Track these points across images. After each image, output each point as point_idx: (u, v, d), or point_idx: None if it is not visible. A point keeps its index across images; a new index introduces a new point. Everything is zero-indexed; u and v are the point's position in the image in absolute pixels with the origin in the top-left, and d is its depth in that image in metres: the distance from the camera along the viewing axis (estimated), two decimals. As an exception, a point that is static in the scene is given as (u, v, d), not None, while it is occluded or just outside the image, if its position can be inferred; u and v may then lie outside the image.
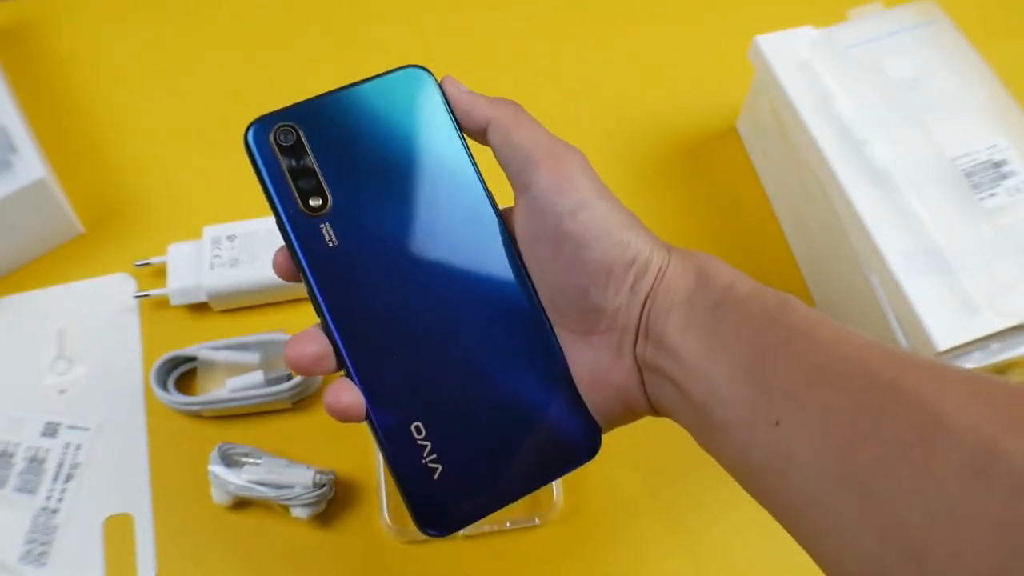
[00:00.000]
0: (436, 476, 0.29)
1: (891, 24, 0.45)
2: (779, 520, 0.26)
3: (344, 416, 0.28)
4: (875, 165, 0.40)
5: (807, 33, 0.46)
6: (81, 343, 0.46)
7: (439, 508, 0.29)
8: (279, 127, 0.29)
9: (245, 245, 0.46)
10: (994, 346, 0.37)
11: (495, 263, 0.30)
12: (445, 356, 0.29)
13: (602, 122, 0.54)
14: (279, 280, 0.48)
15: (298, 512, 0.39)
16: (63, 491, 0.42)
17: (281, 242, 0.29)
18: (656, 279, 0.29)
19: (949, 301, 0.37)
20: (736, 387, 0.26)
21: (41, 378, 0.45)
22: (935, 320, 0.36)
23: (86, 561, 0.40)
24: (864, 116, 0.42)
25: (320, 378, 0.44)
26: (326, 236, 0.29)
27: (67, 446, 0.43)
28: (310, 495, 0.39)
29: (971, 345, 0.36)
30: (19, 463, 0.42)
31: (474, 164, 0.30)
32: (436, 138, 0.30)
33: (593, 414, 0.30)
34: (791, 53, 0.45)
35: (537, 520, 0.41)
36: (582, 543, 0.41)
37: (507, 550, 0.41)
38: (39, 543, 0.40)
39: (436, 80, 0.30)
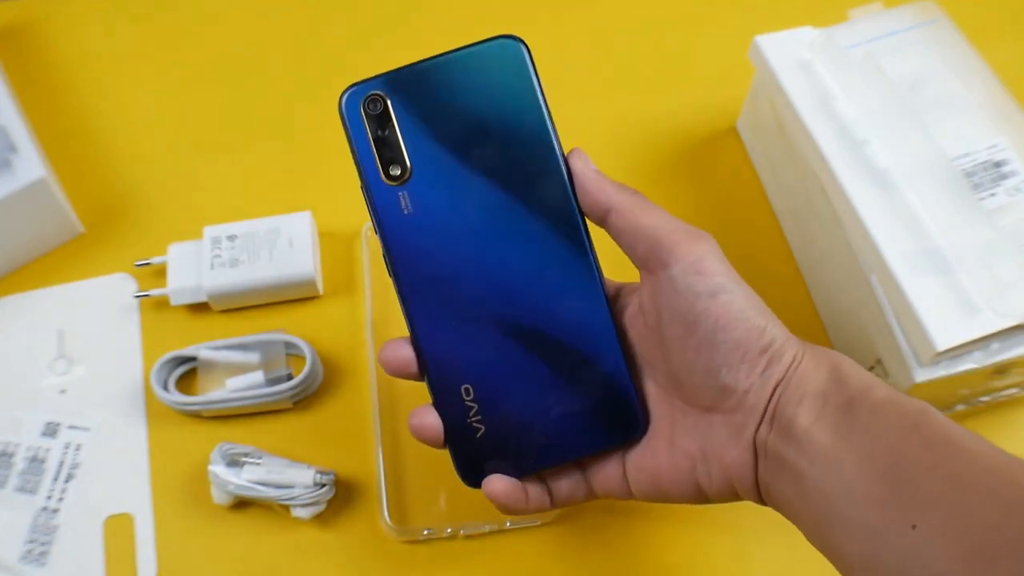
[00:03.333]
0: (478, 435, 0.31)
1: (891, 24, 0.45)
2: None
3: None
4: (875, 165, 0.40)
5: (807, 33, 0.46)
6: (81, 343, 0.46)
7: (478, 464, 0.31)
8: (369, 96, 0.30)
9: (245, 245, 0.46)
10: (994, 346, 0.37)
11: (564, 245, 0.31)
12: (501, 327, 0.31)
13: (602, 122, 0.54)
14: (279, 280, 0.48)
15: (298, 512, 0.39)
16: (63, 491, 0.42)
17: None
18: (789, 368, 0.29)
19: (949, 301, 0.36)
20: (868, 486, 0.26)
21: (41, 378, 0.45)
22: (935, 320, 0.36)
23: (86, 561, 0.40)
24: (864, 116, 0.42)
25: (320, 379, 0.44)
26: (402, 204, 0.30)
27: (67, 446, 0.43)
28: (310, 495, 0.39)
29: (971, 345, 0.36)
30: (19, 463, 0.42)
31: (556, 140, 0.31)
32: (521, 112, 0.31)
33: (697, 486, 0.31)
34: (791, 53, 0.45)
35: (537, 520, 0.41)
36: (582, 543, 0.41)
37: (507, 550, 0.40)
38: (39, 543, 0.40)
39: (528, 52, 0.31)
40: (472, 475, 0.32)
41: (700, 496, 0.31)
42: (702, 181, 0.52)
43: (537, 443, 0.31)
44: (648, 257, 0.30)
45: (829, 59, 0.44)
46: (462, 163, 0.31)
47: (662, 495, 0.32)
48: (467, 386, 0.31)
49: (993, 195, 0.39)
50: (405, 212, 0.30)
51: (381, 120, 0.30)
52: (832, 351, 0.30)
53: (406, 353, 0.32)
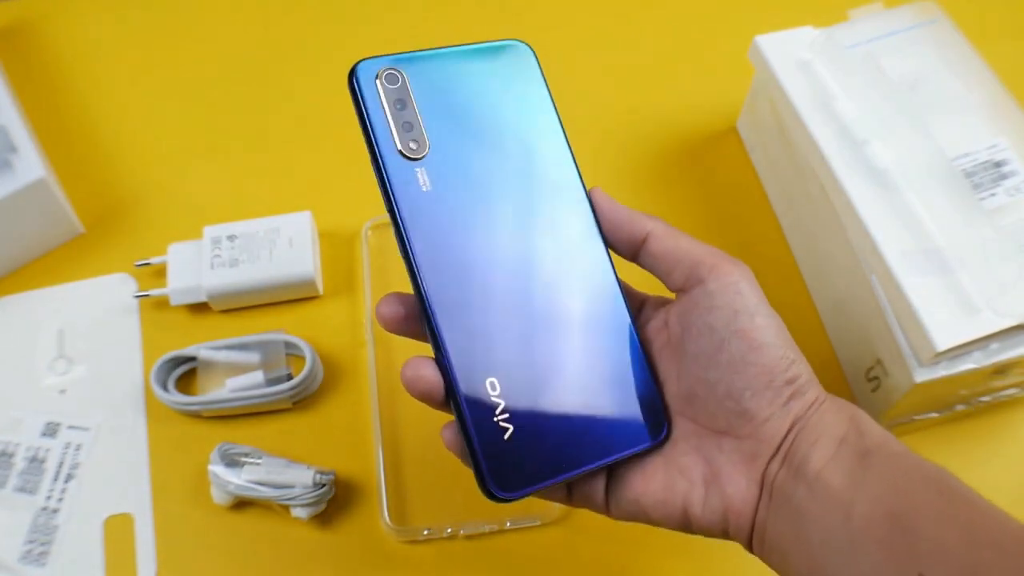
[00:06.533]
0: (507, 436, 0.28)
1: (891, 24, 0.45)
2: None
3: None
4: (875, 165, 0.40)
5: (807, 33, 0.46)
6: (81, 343, 0.46)
7: (506, 468, 0.28)
8: (385, 69, 0.29)
9: (245, 245, 0.46)
10: (994, 346, 0.37)
11: (579, 236, 0.31)
12: (524, 318, 0.30)
13: (602, 122, 0.54)
14: (279, 280, 0.48)
15: (298, 512, 0.39)
16: (63, 491, 0.42)
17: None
18: (810, 408, 0.29)
19: (949, 301, 0.36)
20: (876, 529, 0.26)
21: (41, 378, 0.45)
22: (935, 320, 0.36)
23: (86, 561, 0.40)
24: (864, 116, 0.42)
25: (320, 379, 0.44)
26: (420, 180, 0.29)
27: (67, 446, 0.43)
28: (310, 495, 0.39)
29: (971, 345, 0.36)
30: (19, 463, 0.42)
31: (565, 137, 0.32)
32: (532, 108, 0.31)
33: (685, 511, 0.30)
34: (791, 53, 0.45)
35: (537, 520, 0.41)
36: (582, 543, 0.41)
37: (507, 550, 0.41)
38: (39, 543, 0.40)
39: (536, 56, 0.32)
40: (502, 484, 0.28)
41: (684, 522, 0.30)
42: (702, 181, 0.52)
43: (567, 447, 0.29)
44: (688, 276, 0.30)
45: (829, 59, 0.44)
46: (478, 146, 0.30)
47: (642, 514, 0.30)
48: (492, 380, 0.29)
49: (993, 195, 0.39)
50: (423, 189, 0.29)
51: (399, 94, 0.29)
52: (851, 404, 0.30)
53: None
